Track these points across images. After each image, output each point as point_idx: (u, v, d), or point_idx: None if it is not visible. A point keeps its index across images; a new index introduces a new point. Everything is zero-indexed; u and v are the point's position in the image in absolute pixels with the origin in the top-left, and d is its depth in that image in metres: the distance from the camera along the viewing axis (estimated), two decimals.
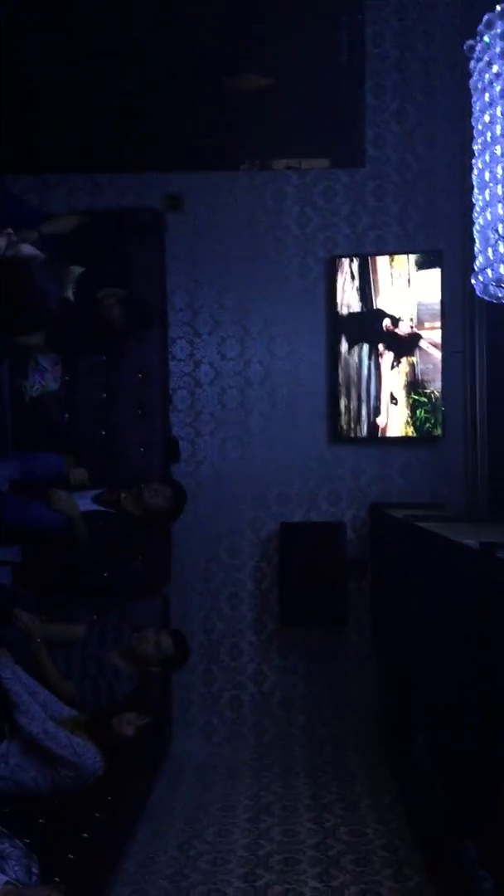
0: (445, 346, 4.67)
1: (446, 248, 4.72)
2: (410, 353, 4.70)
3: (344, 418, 4.77)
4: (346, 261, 4.75)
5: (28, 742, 3.32)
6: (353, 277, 4.75)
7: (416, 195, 4.82)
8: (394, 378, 4.73)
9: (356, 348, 4.76)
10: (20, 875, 2.47)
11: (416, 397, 4.72)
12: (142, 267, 4.57)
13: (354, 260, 4.75)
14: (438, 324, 4.67)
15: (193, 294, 4.87)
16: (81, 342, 4.18)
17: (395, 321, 4.71)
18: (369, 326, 4.75)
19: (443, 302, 4.66)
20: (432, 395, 4.69)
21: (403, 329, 4.71)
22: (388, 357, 4.73)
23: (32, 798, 3.28)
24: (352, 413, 4.77)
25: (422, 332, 4.69)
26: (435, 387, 4.68)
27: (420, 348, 4.69)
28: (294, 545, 4.63)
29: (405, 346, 4.72)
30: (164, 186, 4.84)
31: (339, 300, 4.76)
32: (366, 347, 4.75)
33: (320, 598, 4.56)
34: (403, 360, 4.71)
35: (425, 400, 4.70)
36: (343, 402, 4.77)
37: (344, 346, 4.77)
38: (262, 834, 3.60)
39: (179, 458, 4.81)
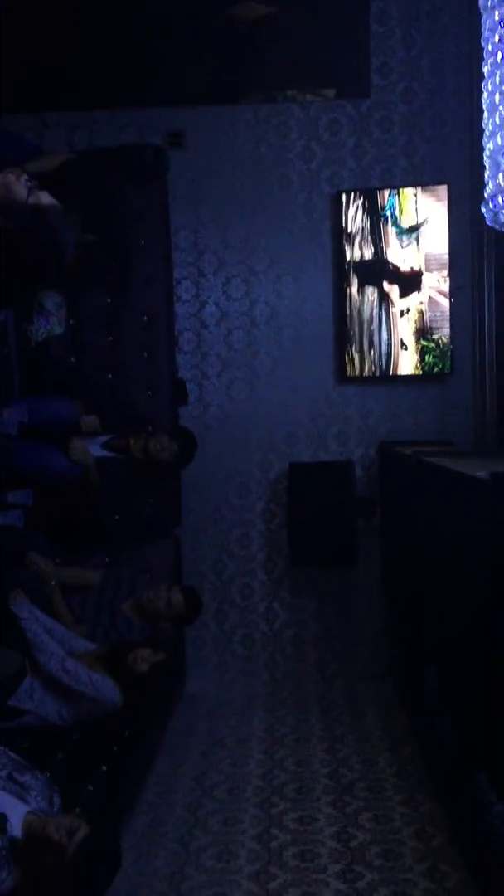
0: (453, 281, 4.61)
1: (454, 180, 4.62)
2: (416, 288, 4.65)
3: (351, 360, 4.74)
4: (352, 198, 4.67)
5: (49, 678, 3.39)
6: (361, 215, 4.68)
7: (422, 126, 4.71)
8: (403, 325, 4.69)
9: (364, 289, 4.71)
10: (42, 805, 2.53)
11: (424, 343, 4.69)
12: (144, 207, 4.50)
13: (360, 197, 4.66)
14: (446, 273, 4.62)
15: (197, 233, 4.81)
16: (85, 284, 4.13)
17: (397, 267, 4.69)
18: (377, 268, 4.70)
19: (450, 235, 4.59)
20: (440, 341, 4.66)
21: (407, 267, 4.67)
22: (395, 298, 4.68)
23: (52, 733, 3.36)
24: (360, 355, 4.74)
25: (430, 281, 4.65)
26: (443, 333, 4.66)
27: (429, 297, 4.67)
28: (303, 485, 4.64)
29: (411, 283, 4.67)
30: (165, 123, 4.75)
31: (346, 240, 4.69)
32: (374, 290, 4.70)
33: (330, 538, 4.59)
34: (412, 307, 4.67)
35: (433, 346, 4.68)
36: (351, 346, 4.73)
37: (353, 285, 4.71)
38: (277, 764, 3.69)
39: (187, 400, 4.79)
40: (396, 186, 4.67)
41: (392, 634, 4.68)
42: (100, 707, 3.39)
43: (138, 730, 3.59)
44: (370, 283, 4.72)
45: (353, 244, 4.71)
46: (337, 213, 4.71)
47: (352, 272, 4.72)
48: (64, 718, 3.37)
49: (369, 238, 4.69)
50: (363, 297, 4.72)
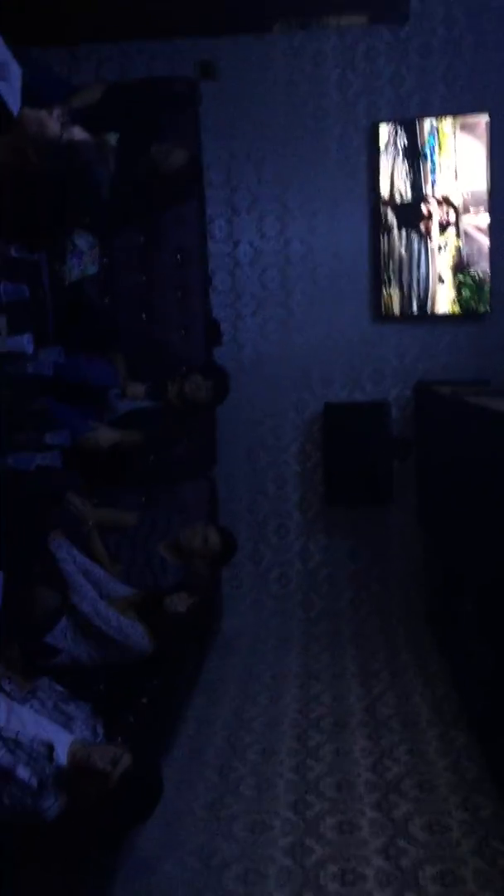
0: (494, 212, 4.49)
1: (495, 108, 4.46)
2: (454, 224, 4.55)
3: (388, 297, 4.66)
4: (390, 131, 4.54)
5: (82, 620, 3.45)
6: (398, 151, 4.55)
7: (463, 52, 4.53)
8: (440, 260, 4.60)
9: (402, 225, 4.61)
10: (87, 734, 2.61)
11: (461, 278, 4.60)
12: (175, 142, 4.40)
13: (399, 132, 4.52)
14: (483, 208, 4.51)
15: (230, 169, 4.71)
16: (119, 219, 4.07)
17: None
18: (415, 204, 4.59)
19: (490, 168, 4.45)
20: (477, 276, 4.58)
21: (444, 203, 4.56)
22: (434, 234, 4.58)
23: (90, 669, 3.44)
24: (398, 292, 4.66)
25: (467, 218, 4.55)
26: (480, 268, 4.58)
27: (466, 233, 4.57)
28: (338, 425, 4.63)
29: (448, 218, 4.57)
30: (197, 53, 4.61)
31: (383, 175, 4.58)
32: (411, 226, 4.60)
33: (365, 477, 4.59)
34: (450, 243, 4.57)
35: (471, 281, 4.59)
36: (388, 283, 4.65)
37: (390, 221, 4.61)
38: (313, 699, 3.75)
39: (221, 340, 4.76)
40: (435, 115, 4.51)
41: (427, 572, 4.69)
42: (128, 653, 3.44)
43: (176, 666, 3.67)
44: (408, 219, 4.61)
45: (391, 180, 4.59)
46: (374, 145, 4.58)
47: (389, 208, 4.61)
48: (95, 661, 3.43)
49: (408, 174, 4.57)
50: (400, 232, 4.61)
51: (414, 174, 4.57)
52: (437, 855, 2.52)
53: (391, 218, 4.62)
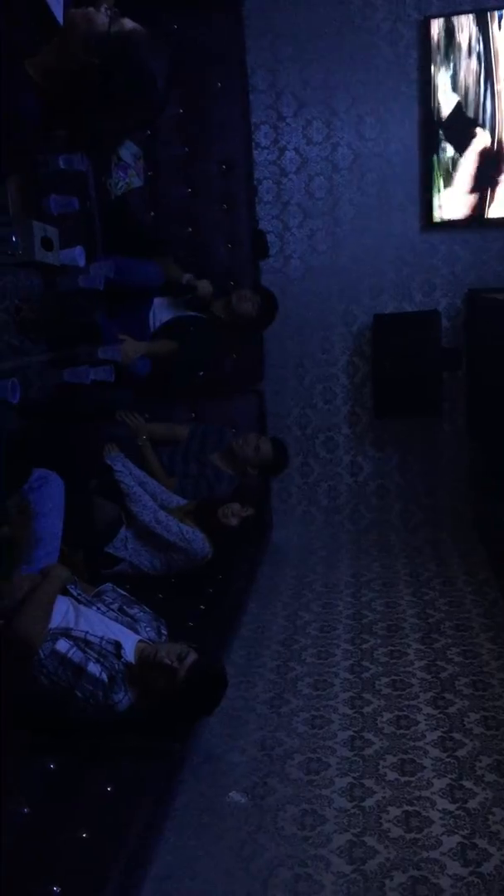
0: None
1: None
2: None
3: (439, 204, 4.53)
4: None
5: (142, 529, 3.54)
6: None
7: None
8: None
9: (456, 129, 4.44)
10: (152, 635, 2.71)
11: None
12: (218, 45, 4.28)
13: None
14: None
15: (276, 73, 4.57)
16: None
17: None
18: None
19: None
20: None
21: None
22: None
23: (150, 578, 3.55)
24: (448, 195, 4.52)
25: None
26: None
27: None
28: (387, 337, 4.58)
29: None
30: None
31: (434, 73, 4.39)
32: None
33: (414, 390, 4.56)
34: None
35: None
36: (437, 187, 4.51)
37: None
38: (365, 606, 3.83)
39: (268, 252, 4.70)
40: (489, 9, 4.30)
41: (477, 484, 4.70)
42: (190, 558, 3.55)
43: (230, 575, 3.76)
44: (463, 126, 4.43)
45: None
46: (425, 43, 4.39)
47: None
48: (157, 568, 3.55)
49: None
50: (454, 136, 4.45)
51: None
52: (492, 747, 2.60)
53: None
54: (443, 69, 4.38)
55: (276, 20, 4.49)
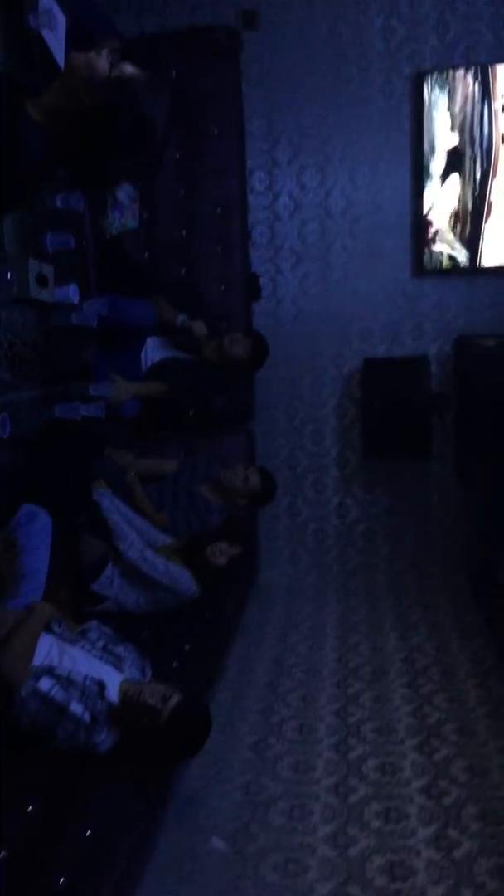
0: None
1: None
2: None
3: (430, 247, 4.60)
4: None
5: (128, 567, 3.52)
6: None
7: None
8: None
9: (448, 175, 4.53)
10: (136, 674, 2.68)
11: None
12: (216, 92, 4.37)
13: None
14: None
15: (271, 120, 4.66)
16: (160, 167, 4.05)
17: None
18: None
19: None
20: None
21: None
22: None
23: (135, 616, 3.51)
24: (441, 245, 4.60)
25: None
26: None
27: None
28: (377, 380, 4.62)
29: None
30: (238, 2, 4.54)
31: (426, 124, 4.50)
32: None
33: (403, 432, 4.58)
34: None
35: None
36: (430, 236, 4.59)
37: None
38: (351, 649, 3.80)
39: (260, 294, 4.76)
40: (481, 64, 4.41)
41: (465, 527, 4.70)
42: (176, 597, 3.53)
43: (216, 614, 3.74)
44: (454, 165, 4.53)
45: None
46: (418, 95, 4.49)
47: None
48: (141, 607, 3.52)
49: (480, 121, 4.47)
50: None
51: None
52: (478, 795, 2.57)
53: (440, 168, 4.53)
54: (434, 120, 4.48)
55: (273, 69, 4.60)
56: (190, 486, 4.02)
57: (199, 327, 4.13)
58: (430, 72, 4.46)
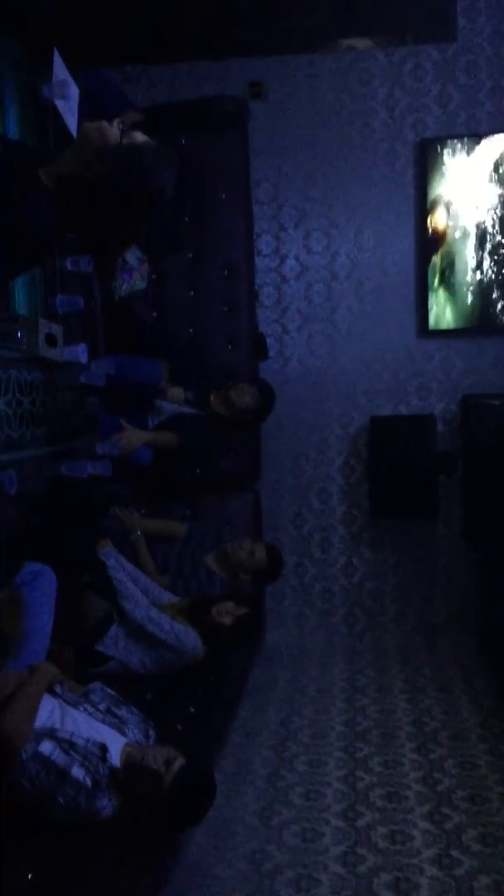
0: None
1: None
2: None
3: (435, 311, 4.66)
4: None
5: (134, 626, 3.48)
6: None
7: None
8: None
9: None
10: (139, 737, 2.62)
11: None
12: (224, 160, 4.49)
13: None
14: None
15: (278, 186, 4.78)
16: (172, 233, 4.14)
17: None
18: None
19: None
20: None
21: None
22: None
23: (139, 678, 3.46)
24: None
25: None
26: None
27: None
28: (383, 439, 4.63)
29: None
30: (246, 74, 4.71)
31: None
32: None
33: (410, 491, 4.57)
34: None
35: None
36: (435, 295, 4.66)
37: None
38: (359, 712, 3.73)
39: (267, 354, 4.80)
40: (482, 133, 4.54)
41: (475, 588, 4.65)
42: (182, 657, 3.47)
43: (222, 676, 3.68)
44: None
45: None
46: (421, 162, 4.61)
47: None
48: (146, 667, 3.46)
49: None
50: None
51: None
52: (491, 865, 2.49)
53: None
54: (438, 187, 4.58)
55: (279, 137, 4.73)
56: (195, 554, 3.99)
57: (176, 393, 4.16)
58: (433, 140, 4.57)
